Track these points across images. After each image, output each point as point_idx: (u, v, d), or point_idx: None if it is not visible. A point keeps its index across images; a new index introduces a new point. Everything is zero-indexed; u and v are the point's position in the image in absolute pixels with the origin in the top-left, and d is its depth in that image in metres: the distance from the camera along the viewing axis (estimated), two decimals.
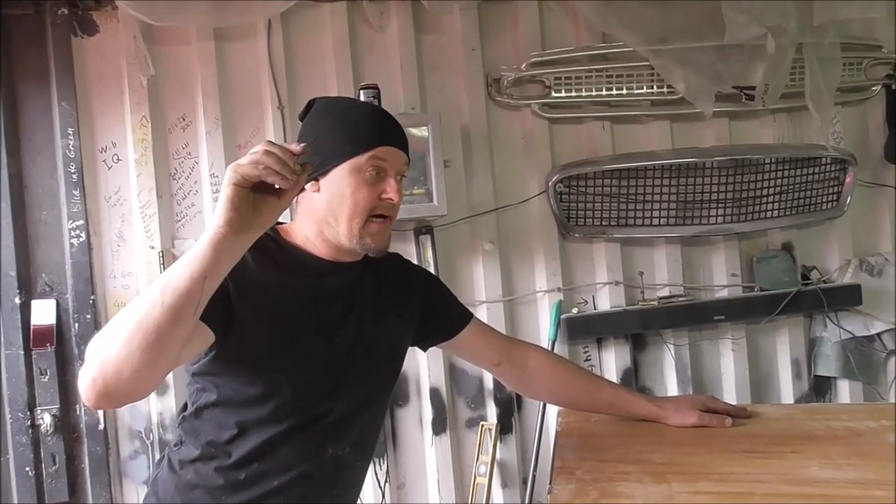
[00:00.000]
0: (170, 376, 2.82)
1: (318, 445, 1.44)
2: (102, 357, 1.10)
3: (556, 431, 1.71)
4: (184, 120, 2.92)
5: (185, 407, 1.47)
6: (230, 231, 1.11)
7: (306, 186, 1.42)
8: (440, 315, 1.69)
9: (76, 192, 2.81)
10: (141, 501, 1.49)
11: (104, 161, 2.87)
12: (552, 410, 2.92)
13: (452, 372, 3.05)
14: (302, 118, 1.52)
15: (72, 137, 2.81)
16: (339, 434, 1.46)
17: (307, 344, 1.42)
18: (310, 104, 1.51)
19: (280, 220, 1.34)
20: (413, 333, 1.66)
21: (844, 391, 3.33)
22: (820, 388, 3.36)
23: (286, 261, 1.44)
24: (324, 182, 1.42)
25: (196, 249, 1.11)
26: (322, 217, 1.43)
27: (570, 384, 1.76)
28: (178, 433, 1.48)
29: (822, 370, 3.30)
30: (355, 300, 1.50)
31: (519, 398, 3.08)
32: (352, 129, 1.43)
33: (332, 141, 1.42)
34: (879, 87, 3.33)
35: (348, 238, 1.42)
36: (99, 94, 2.87)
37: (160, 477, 1.46)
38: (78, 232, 2.81)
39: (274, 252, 1.43)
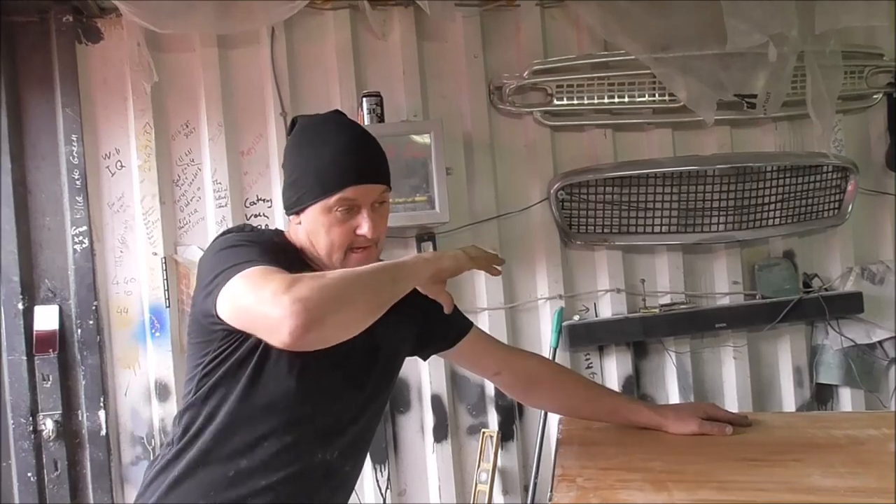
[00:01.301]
0: (171, 383, 2.83)
1: (306, 449, 1.43)
2: (328, 305, 1.18)
3: (558, 439, 1.71)
4: (187, 126, 2.93)
5: (186, 407, 1.46)
6: (437, 276, 1.39)
7: (289, 217, 1.51)
8: (440, 324, 1.67)
9: (79, 199, 2.82)
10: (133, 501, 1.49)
11: (108, 167, 2.88)
12: (553, 418, 2.92)
13: (454, 379, 3.05)
14: (288, 134, 1.56)
15: (75, 144, 2.82)
16: (328, 440, 1.46)
17: (307, 355, 1.38)
18: (293, 122, 1.55)
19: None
20: (412, 343, 1.67)
21: (846, 399, 3.32)
22: (822, 396, 3.36)
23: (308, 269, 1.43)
24: (302, 217, 1.46)
25: (417, 264, 1.36)
26: (305, 244, 1.48)
27: (570, 393, 1.76)
28: (172, 432, 1.48)
29: (824, 378, 3.30)
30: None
31: (520, 405, 3.08)
32: (321, 170, 1.43)
33: (303, 179, 1.44)
34: (881, 96, 3.34)
35: (332, 267, 1.44)
36: (103, 100, 2.88)
37: (152, 475, 1.46)
38: (81, 238, 2.82)
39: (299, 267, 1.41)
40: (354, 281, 1.25)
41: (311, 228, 1.45)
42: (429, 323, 1.66)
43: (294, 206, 1.46)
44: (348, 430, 1.49)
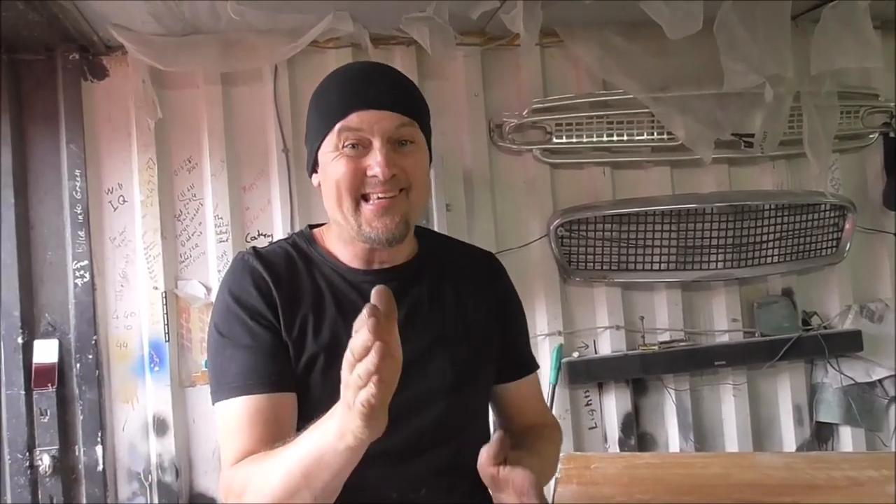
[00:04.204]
0: (169, 418, 2.82)
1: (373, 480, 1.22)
2: None
3: (556, 479, 1.70)
4: (189, 162, 2.96)
5: None
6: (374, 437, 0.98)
7: (313, 182, 1.30)
8: (507, 349, 1.43)
9: (81, 233, 2.83)
10: None
11: (110, 202, 2.90)
12: None
13: None
14: None
15: (79, 179, 2.84)
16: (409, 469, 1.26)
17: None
18: None
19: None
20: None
21: (847, 438, 3.31)
22: (822, 435, 3.35)
23: (326, 281, 1.29)
24: (318, 174, 1.28)
25: (336, 450, 1.01)
26: (328, 211, 1.26)
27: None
28: None
29: (824, 416, 3.29)
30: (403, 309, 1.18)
31: None
32: (323, 103, 1.24)
33: (309, 126, 1.27)
34: (877, 135, 3.37)
35: (353, 228, 1.22)
36: (107, 136, 2.91)
37: None
38: (82, 272, 2.83)
39: (323, 280, 1.29)
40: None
41: (325, 181, 1.23)
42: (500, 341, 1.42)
43: (310, 161, 1.27)
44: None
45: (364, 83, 1.23)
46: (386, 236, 1.21)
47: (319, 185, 1.28)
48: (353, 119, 1.19)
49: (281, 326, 1.24)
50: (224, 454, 1.22)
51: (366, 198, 1.21)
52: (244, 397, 1.20)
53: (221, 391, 1.22)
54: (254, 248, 1.34)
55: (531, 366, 1.48)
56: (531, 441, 1.34)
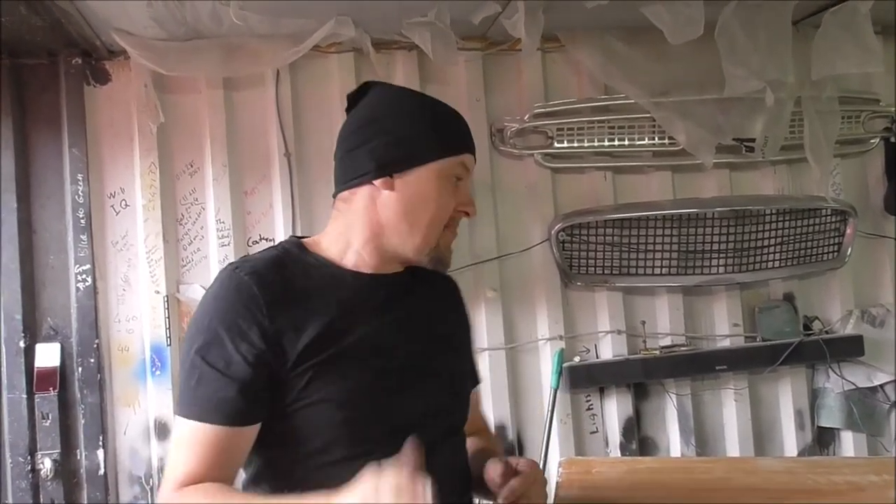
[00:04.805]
0: (170, 422, 2.82)
1: None
2: None
3: (557, 483, 1.70)
4: (192, 166, 2.96)
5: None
6: None
7: (375, 182, 1.28)
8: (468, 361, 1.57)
9: (83, 237, 2.84)
10: None
11: (112, 206, 2.91)
12: (553, 460, 2.92)
13: None
14: (354, 100, 1.37)
15: (81, 183, 2.84)
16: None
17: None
18: (365, 87, 1.38)
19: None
20: None
21: (848, 443, 3.30)
22: (823, 440, 3.34)
23: (330, 290, 1.30)
24: (400, 180, 1.28)
25: None
26: (388, 221, 1.29)
27: None
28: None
29: (826, 421, 3.28)
30: (405, 311, 1.37)
31: (520, 446, 3.06)
32: (442, 127, 1.32)
33: (419, 135, 1.29)
34: (878, 140, 3.37)
35: (418, 248, 1.30)
36: (109, 140, 2.91)
37: None
38: (84, 276, 2.83)
39: (318, 284, 1.30)
40: None
41: (410, 196, 1.28)
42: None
43: (397, 164, 1.28)
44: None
45: (467, 129, 1.36)
46: (449, 259, 1.36)
47: (388, 187, 1.28)
48: (468, 159, 1.33)
49: (273, 345, 1.22)
50: (169, 471, 1.22)
51: (446, 225, 1.32)
52: (205, 424, 1.21)
53: (185, 408, 1.23)
54: (245, 261, 1.32)
55: (478, 378, 1.61)
56: (488, 443, 1.54)
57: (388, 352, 1.31)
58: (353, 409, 1.25)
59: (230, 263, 1.33)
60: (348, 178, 1.32)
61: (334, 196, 1.38)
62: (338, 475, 1.18)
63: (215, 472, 1.20)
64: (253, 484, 1.32)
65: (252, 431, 1.24)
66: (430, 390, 1.35)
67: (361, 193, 1.31)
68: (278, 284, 1.26)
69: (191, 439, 1.21)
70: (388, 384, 1.30)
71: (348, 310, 1.29)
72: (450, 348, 1.45)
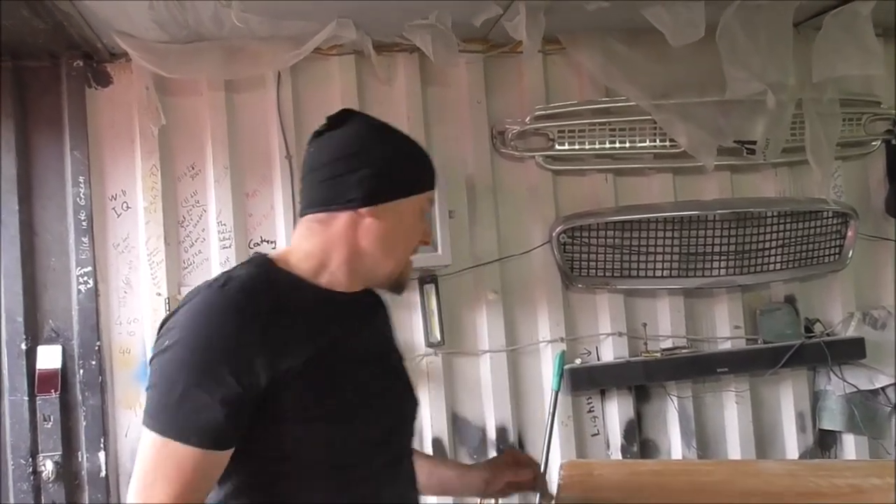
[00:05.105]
0: None
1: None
2: None
3: (558, 485, 1.70)
4: (193, 168, 2.97)
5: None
6: None
7: (361, 210, 1.35)
8: None
9: (85, 239, 2.84)
10: None
11: (114, 208, 2.91)
12: (555, 463, 2.91)
13: (455, 422, 3.05)
14: (334, 125, 1.41)
15: (83, 185, 2.85)
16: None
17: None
18: (344, 115, 1.44)
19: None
20: None
21: (850, 445, 3.30)
22: (825, 442, 3.34)
23: (318, 304, 1.36)
24: (384, 211, 1.35)
25: None
26: (366, 245, 1.36)
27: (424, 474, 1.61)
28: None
29: (827, 424, 3.28)
30: (375, 331, 1.51)
31: (521, 448, 3.06)
32: (420, 163, 1.43)
33: (400, 171, 1.38)
34: (879, 143, 3.37)
35: (390, 272, 1.41)
36: (110, 143, 2.92)
37: None
38: (86, 278, 2.83)
39: (305, 302, 1.35)
40: None
41: (394, 224, 1.36)
42: None
43: (384, 195, 1.35)
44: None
45: (433, 165, 1.46)
46: (406, 284, 1.48)
47: (373, 215, 1.34)
48: (433, 195, 1.44)
49: (264, 365, 1.23)
50: (149, 493, 1.18)
51: None
52: (189, 448, 1.19)
53: (165, 425, 1.20)
54: (229, 279, 1.31)
55: None
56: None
57: (370, 365, 1.40)
58: (342, 422, 1.30)
59: (213, 281, 1.33)
60: (330, 202, 1.36)
61: (303, 214, 1.42)
62: (323, 488, 1.29)
63: (195, 496, 1.21)
64: (232, 499, 1.31)
65: (229, 454, 1.24)
66: (404, 398, 1.49)
67: (342, 218, 1.35)
68: (265, 303, 1.27)
69: (174, 462, 1.19)
70: (373, 396, 1.37)
71: (333, 326, 1.35)
72: (401, 358, 1.57)
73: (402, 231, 1.38)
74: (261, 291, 1.29)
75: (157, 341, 1.28)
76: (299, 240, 1.41)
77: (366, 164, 1.34)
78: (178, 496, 1.17)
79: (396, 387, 1.47)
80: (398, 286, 1.45)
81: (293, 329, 1.27)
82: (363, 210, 1.34)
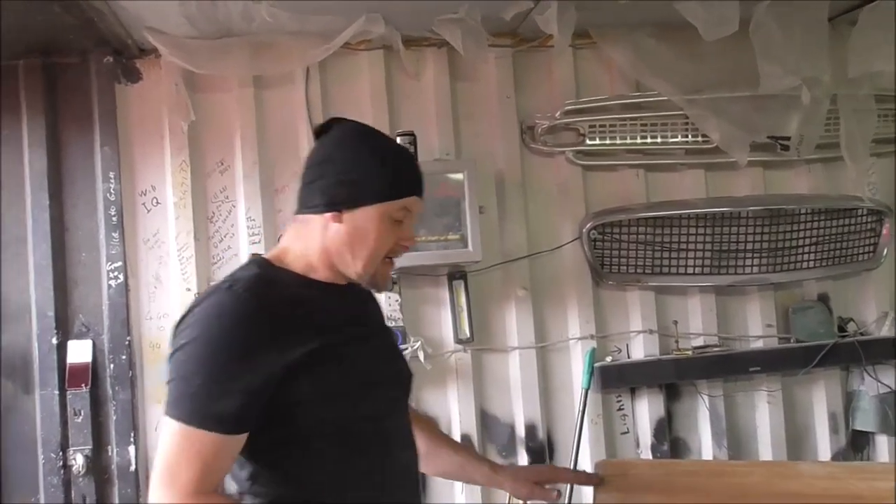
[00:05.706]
0: None
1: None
2: None
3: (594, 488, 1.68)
4: (222, 164, 2.97)
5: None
6: None
7: (325, 215, 1.44)
8: None
9: (115, 235, 2.85)
10: None
11: (143, 204, 2.92)
12: (585, 460, 2.90)
13: (483, 419, 3.03)
14: (318, 135, 1.52)
15: (113, 181, 2.86)
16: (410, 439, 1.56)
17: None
18: (329, 123, 1.52)
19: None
20: None
21: (883, 447, 3.25)
22: (857, 444, 3.29)
23: (317, 296, 1.46)
24: (347, 215, 1.43)
25: None
26: (335, 248, 1.44)
27: (432, 451, 1.74)
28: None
29: (860, 425, 3.23)
30: (369, 315, 1.62)
31: (550, 447, 3.04)
32: (389, 172, 1.45)
33: (366, 178, 1.43)
34: None
35: (359, 274, 1.46)
36: (140, 139, 2.93)
37: None
38: (116, 273, 2.84)
39: (306, 295, 1.44)
40: None
41: (353, 231, 1.42)
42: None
43: (343, 203, 1.42)
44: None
45: (419, 171, 1.50)
46: (387, 287, 1.58)
47: (337, 220, 1.42)
48: (412, 201, 1.46)
49: (279, 356, 1.31)
50: (174, 478, 1.26)
51: (388, 255, 1.48)
52: (210, 433, 1.27)
53: (187, 413, 1.27)
54: (236, 280, 1.40)
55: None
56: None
57: (370, 344, 1.51)
58: (354, 397, 1.40)
59: (220, 283, 1.42)
60: (304, 206, 1.48)
61: (295, 215, 1.52)
62: (337, 456, 1.38)
63: (215, 476, 1.30)
64: (251, 483, 1.40)
65: (245, 437, 1.32)
66: (403, 373, 1.61)
67: (315, 221, 1.45)
68: (271, 299, 1.36)
69: (199, 448, 1.27)
70: (377, 372, 1.49)
71: (334, 314, 1.46)
72: (395, 339, 1.75)
73: (366, 236, 1.43)
74: (265, 289, 1.38)
75: (173, 339, 1.35)
76: (289, 239, 1.51)
77: (330, 173, 1.44)
78: (200, 479, 1.26)
79: (396, 362, 1.61)
80: (374, 285, 1.52)
81: (299, 320, 1.37)
82: (328, 215, 1.43)
